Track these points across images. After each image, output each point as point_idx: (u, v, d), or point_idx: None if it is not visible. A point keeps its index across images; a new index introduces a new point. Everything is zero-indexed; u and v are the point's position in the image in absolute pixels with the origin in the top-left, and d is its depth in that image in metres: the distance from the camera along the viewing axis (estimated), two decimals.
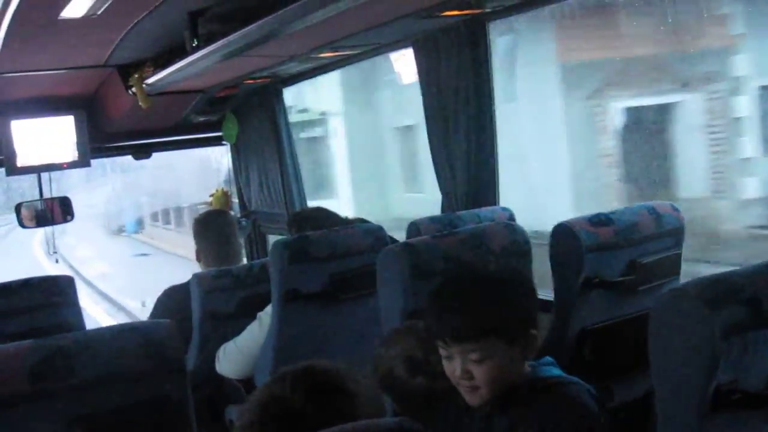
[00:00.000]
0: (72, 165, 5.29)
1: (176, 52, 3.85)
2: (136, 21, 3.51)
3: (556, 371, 2.12)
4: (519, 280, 2.19)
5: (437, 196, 3.91)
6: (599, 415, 2.00)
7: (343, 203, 13.77)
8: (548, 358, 2.16)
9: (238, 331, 3.50)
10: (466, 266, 2.65)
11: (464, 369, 2.03)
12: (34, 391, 1.66)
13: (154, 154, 5.96)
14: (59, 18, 3.23)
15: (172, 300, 3.85)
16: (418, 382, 2.25)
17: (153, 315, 3.92)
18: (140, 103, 4.51)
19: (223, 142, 6.11)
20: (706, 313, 1.49)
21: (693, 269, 2.99)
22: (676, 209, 2.89)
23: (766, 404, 1.56)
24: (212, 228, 4.08)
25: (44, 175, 5.37)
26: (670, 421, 1.60)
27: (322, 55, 4.27)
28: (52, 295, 3.19)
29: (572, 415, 1.99)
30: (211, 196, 6.11)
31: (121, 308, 18.44)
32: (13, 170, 5.09)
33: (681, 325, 1.53)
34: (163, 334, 1.78)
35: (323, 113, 14.94)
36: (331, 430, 1.12)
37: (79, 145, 5.22)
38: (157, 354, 1.75)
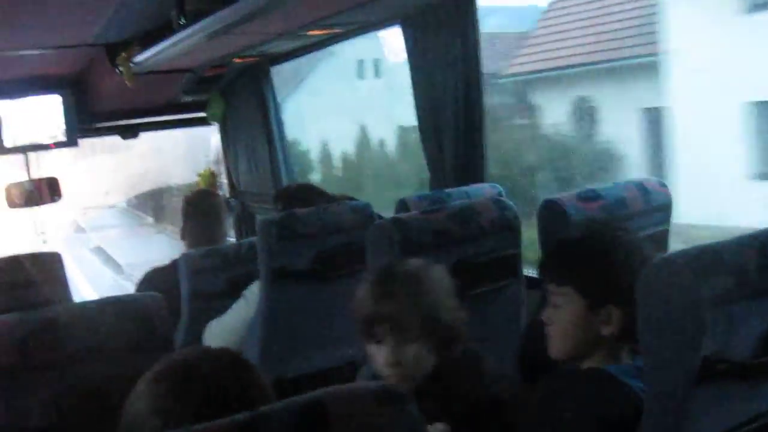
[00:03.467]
0: (60, 145, 5.28)
1: (163, 30, 3.83)
2: None
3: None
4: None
5: None
6: None
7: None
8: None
9: (225, 311, 3.50)
10: None
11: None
12: (23, 364, 1.66)
13: (143, 134, 5.95)
14: None
15: (154, 284, 3.83)
16: None
17: None
18: (127, 82, 4.49)
19: (212, 122, 6.09)
20: (693, 282, 1.49)
21: None
22: (664, 185, 2.90)
23: (752, 374, 1.57)
24: (201, 208, 4.07)
25: (32, 156, 5.35)
26: (657, 391, 1.61)
27: (311, 33, 4.26)
28: (39, 272, 3.19)
29: None
30: (199, 176, 6.09)
31: None
32: (0, 150, 5.07)
33: (668, 294, 1.53)
34: (152, 307, 1.78)
35: None
36: (312, 395, 1.13)
37: (67, 124, 5.20)
38: (145, 327, 1.75)
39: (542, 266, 2.15)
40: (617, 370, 1.90)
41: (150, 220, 22.73)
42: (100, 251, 20.01)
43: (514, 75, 12.25)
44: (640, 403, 1.72)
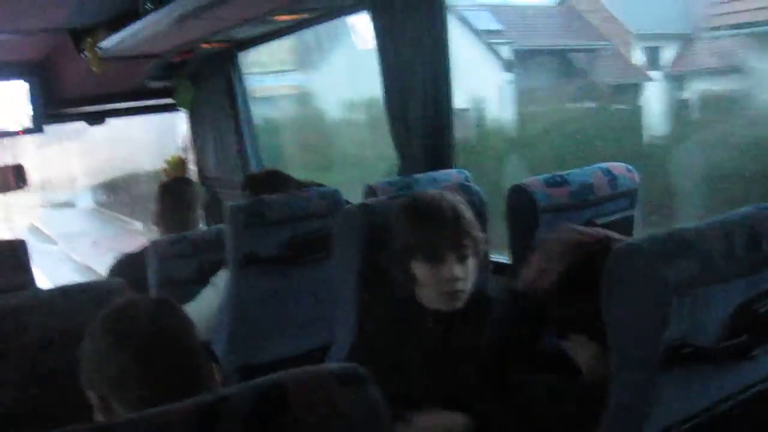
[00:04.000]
0: (26, 132, 5.25)
1: (130, 15, 3.81)
2: None
3: None
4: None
5: None
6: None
7: None
8: None
9: (195, 297, 3.49)
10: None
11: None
12: None
13: (110, 121, 5.92)
14: None
15: (123, 270, 3.81)
16: None
17: None
18: (93, 68, 4.46)
19: (180, 109, 6.06)
20: (659, 267, 1.49)
21: None
22: (630, 170, 2.91)
23: (716, 358, 1.58)
24: (174, 195, 4.05)
25: None
26: (623, 376, 1.61)
27: (278, 18, 4.25)
28: (5, 259, 3.17)
29: None
30: (167, 162, 6.07)
31: None
32: None
33: (634, 279, 1.53)
34: (116, 293, 1.77)
35: None
36: (271, 377, 1.13)
37: (34, 111, 5.17)
38: None
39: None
40: None
41: (138, 225, 18.33)
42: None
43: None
44: None
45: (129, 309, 1.57)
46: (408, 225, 2.43)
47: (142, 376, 1.50)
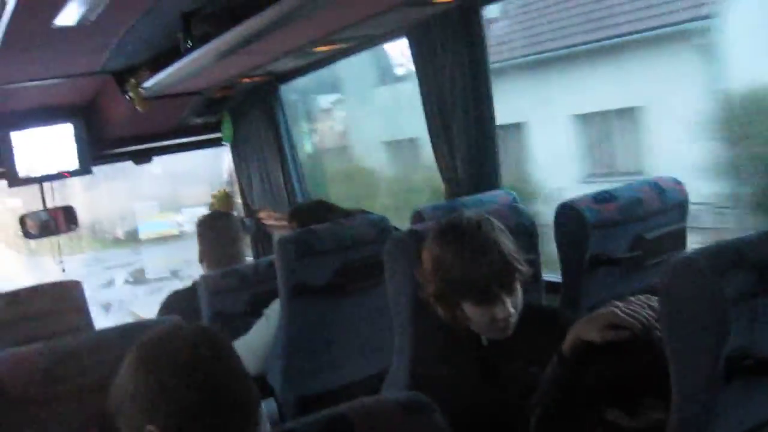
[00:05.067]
0: (74, 173, 5.31)
1: (171, 54, 3.85)
2: (129, 25, 3.51)
3: None
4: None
5: None
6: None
7: None
8: None
9: (247, 330, 3.50)
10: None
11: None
12: (48, 393, 1.67)
13: (155, 159, 5.98)
14: (53, 26, 3.23)
15: (174, 307, 3.83)
16: None
17: None
18: (137, 107, 4.52)
19: (223, 143, 6.11)
20: (714, 280, 1.48)
21: None
22: (679, 183, 2.89)
23: None
24: (216, 230, 4.07)
25: (46, 185, 5.38)
26: (684, 391, 1.60)
27: (317, 49, 4.26)
28: (61, 301, 3.21)
29: None
30: (213, 197, 6.11)
31: None
32: (14, 181, 5.10)
33: (690, 293, 1.52)
34: None
35: None
36: (336, 409, 1.13)
37: (80, 153, 5.24)
38: None
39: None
40: None
41: None
42: None
43: None
44: None
45: (174, 340, 1.61)
46: (451, 263, 2.34)
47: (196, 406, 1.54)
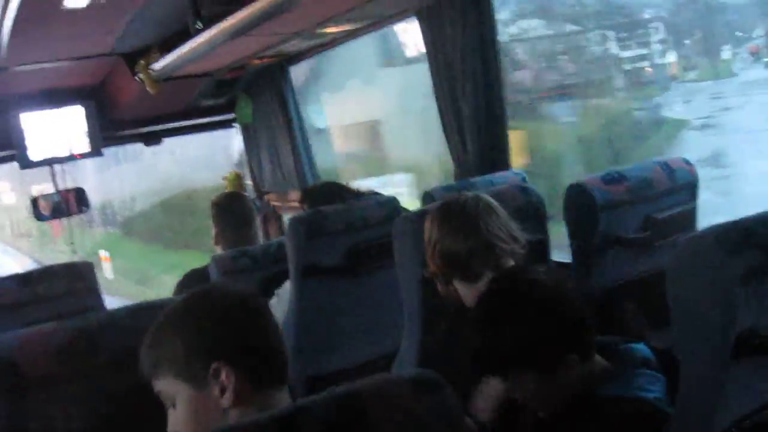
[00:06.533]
0: (85, 155, 5.32)
1: (181, 35, 3.85)
2: (139, 6, 3.51)
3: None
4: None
5: None
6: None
7: None
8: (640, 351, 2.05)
9: None
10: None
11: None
12: (61, 372, 1.68)
13: (166, 140, 5.98)
14: (63, 8, 3.24)
15: (190, 285, 3.85)
16: None
17: None
18: (148, 89, 4.52)
19: (233, 125, 6.12)
20: (724, 258, 1.48)
21: None
22: (688, 163, 2.89)
23: None
24: (231, 211, 4.07)
25: (57, 167, 5.39)
26: (692, 369, 1.60)
27: (327, 30, 4.27)
28: (73, 282, 3.22)
29: None
30: (225, 179, 6.11)
31: None
32: (26, 163, 5.11)
33: (700, 271, 1.52)
34: None
35: None
36: (349, 386, 1.14)
37: (90, 134, 5.24)
38: None
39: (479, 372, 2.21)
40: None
41: None
42: None
43: None
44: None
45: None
46: (437, 238, 2.39)
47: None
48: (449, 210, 2.40)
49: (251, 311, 1.67)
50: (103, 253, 20.05)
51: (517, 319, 1.92)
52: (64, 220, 5.57)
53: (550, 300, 1.93)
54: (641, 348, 2.01)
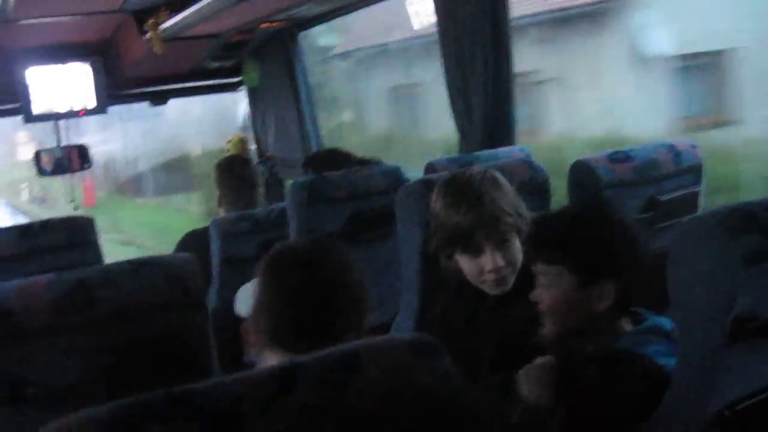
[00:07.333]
0: (89, 112, 5.31)
1: None
2: None
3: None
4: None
5: None
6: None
7: None
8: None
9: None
10: None
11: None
12: (56, 324, 1.67)
13: (171, 102, 5.98)
14: None
15: (190, 245, 3.85)
16: None
17: None
18: (155, 49, 4.50)
19: (239, 88, 6.10)
20: (725, 241, 1.48)
21: None
22: (694, 146, 2.88)
23: None
24: (235, 174, 4.06)
25: (60, 123, 5.38)
26: (689, 351, 1.61)
27: None
28: (72, 235, 3.22)
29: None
30: (229, 142, 6.11)
31: None
32: (30, 117, 5.11)
33: (700, 253, 1.52)
34: (185, 267, 1.78)
35: None
36: (347, 345, 1.14)
37: (96, 91, 5.23)
38: (178, 287, 1.75)
39: (532, 245, 2.15)
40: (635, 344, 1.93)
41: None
42: None
43: None
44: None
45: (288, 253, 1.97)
46: (441, 211, 2.38)
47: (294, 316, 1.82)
48: (455, 182, 2.40)
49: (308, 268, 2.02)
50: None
51: (616, 228, 2.03)
52: (77, 182, 5.55)
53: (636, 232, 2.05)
54: (667, 322, 2.02)
